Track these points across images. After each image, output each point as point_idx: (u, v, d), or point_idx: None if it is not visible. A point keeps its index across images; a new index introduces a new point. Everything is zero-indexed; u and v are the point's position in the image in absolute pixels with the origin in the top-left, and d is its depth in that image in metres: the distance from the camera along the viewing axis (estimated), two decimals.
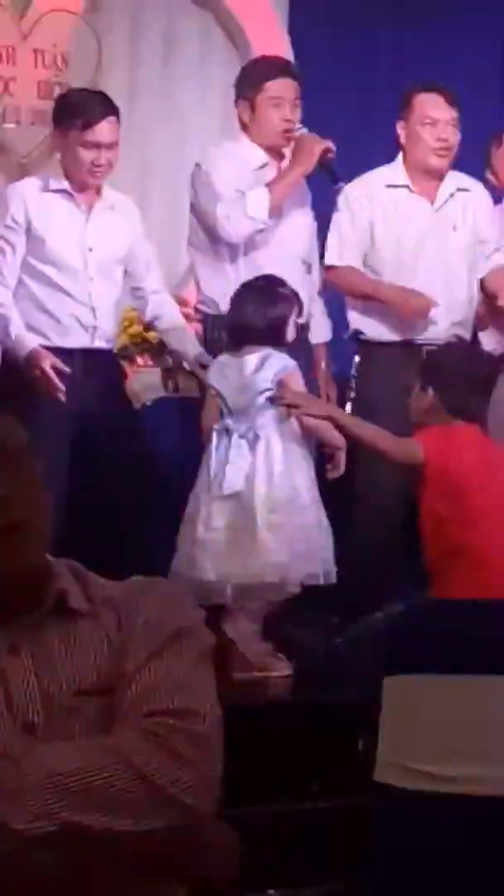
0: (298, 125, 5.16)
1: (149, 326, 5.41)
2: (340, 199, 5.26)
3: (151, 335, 5.61)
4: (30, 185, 5.05)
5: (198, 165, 5.16)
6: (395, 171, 5.34)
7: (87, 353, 4.91)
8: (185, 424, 5.16)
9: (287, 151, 5.20)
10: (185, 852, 1.91)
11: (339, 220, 5.28)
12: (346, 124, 6.10)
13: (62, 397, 4.75)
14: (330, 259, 5.28)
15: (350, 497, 5.09)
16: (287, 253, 5.13)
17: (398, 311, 5.18)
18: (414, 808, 2.50)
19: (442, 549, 4.20)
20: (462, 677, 2.52)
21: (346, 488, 4.97)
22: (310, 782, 4.00)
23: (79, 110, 4.96)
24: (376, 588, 4.90)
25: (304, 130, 5.15)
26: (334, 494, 4.93)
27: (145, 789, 1.82)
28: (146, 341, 5.77)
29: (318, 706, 4.36)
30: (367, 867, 2.58)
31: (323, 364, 5.41)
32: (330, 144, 5.10)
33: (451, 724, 2.52)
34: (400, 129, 5.32)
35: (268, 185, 5.07)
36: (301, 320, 5.01)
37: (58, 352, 4.82)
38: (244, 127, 5.18)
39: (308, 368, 5.14)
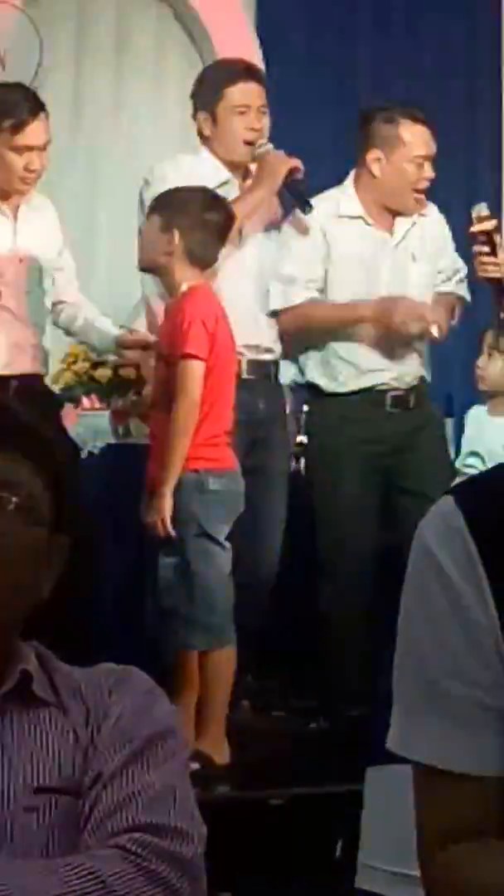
0: (263, 141, 5.02)
1: (97, 364, 5.33)
2: (285, 230, 5.10)
3: (100, 373, 5.53)
4: None
5: (146, 182, 4.98)
6: (348, 199, 5.13)
7: (26, 379, 4.79)
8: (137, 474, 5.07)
9: (253, 168, 5.06)
10: None
11: (288, 251, 5.08)
12: (319, 138, 6.06)
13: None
14: (284, 300, 5.04)
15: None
16: (247, 282, 4.99)
17: (387, 323, 5.00)
18: None
19: None
20: None
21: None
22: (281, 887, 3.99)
23: (5, 110, 4.89)
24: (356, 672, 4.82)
25: (270, 147, 5.00)
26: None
27: None
28: (94, 380, 5.70)
29: (292, 800, 4.35)
30: None
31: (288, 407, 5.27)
32: (297, 163, 4.93)
33: None
34: (372, 156, 5.06)
35: None
36: (269, 357, 4.99)
37: None
38: (205, 140, 5.02)
39: (275, 408, 5.06)
